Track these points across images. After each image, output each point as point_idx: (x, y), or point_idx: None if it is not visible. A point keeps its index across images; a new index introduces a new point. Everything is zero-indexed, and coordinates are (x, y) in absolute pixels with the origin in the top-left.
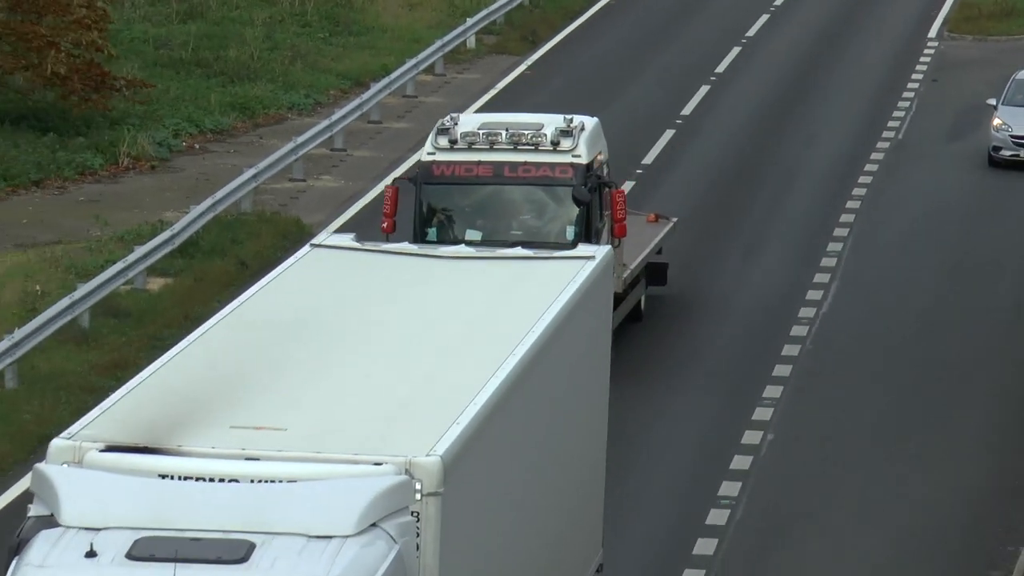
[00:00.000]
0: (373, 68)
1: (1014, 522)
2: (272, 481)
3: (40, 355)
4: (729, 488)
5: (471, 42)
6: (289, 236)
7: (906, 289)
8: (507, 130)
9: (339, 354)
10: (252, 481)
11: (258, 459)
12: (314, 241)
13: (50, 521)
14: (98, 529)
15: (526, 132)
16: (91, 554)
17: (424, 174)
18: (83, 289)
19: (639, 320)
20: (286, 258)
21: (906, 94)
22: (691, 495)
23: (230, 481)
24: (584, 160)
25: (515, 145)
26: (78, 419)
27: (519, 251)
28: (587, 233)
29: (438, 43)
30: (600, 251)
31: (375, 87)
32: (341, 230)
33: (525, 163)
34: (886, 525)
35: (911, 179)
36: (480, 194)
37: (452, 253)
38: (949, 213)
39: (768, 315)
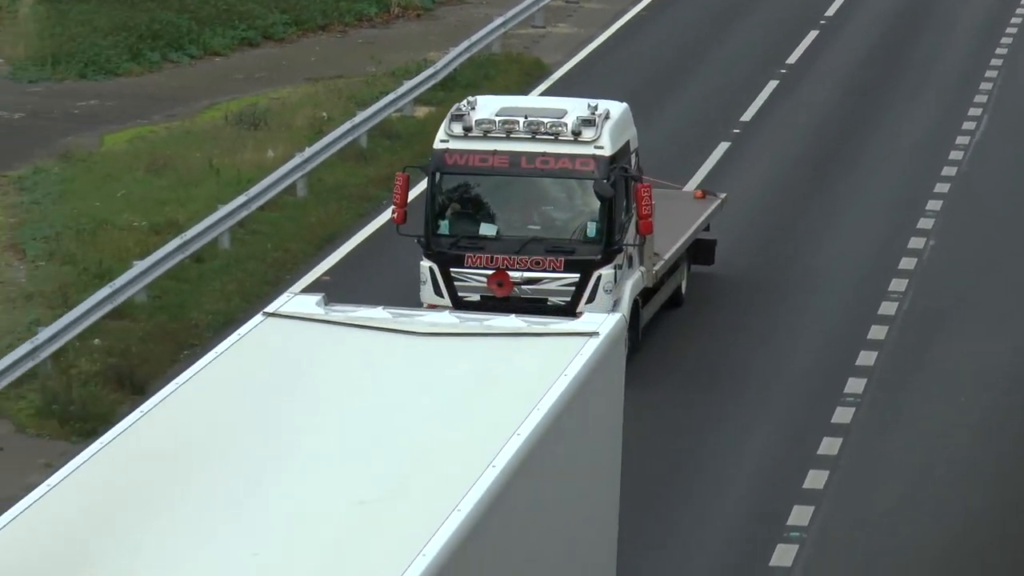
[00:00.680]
0: None
1: None
2: None
3: (325, 170)
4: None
5: None
6: (532, 73)
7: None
8: (526, 117)
9: (270, 475)
10: None
11: None
12: (269, 309)
13: None
14: None
15: (546, 120)
16: None
17: (436, 163)
18: (361, 115)
19: (679, 306)
20: (530, 90)
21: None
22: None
23: None
24: (607, 152)
25: (533, 134)
26: (357, 223)
27: (510, 323)
28: (610, 229)
29: None
30: (607, 323)
31: None
32: (573, 71)
33: (544, 154)
34: None
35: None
36: (495, 185)
37: (429, 328)
38: None
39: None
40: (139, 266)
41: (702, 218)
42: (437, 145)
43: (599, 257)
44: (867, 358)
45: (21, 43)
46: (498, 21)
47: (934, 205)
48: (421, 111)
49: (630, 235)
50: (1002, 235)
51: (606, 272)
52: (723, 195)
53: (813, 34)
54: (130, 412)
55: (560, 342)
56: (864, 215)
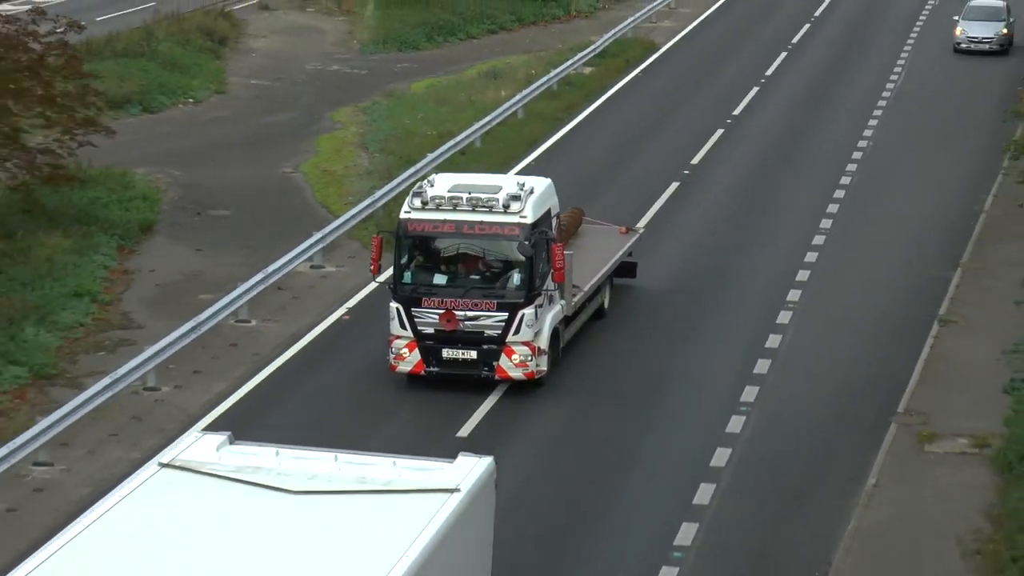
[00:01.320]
0: None
1: None
2: None
3: (533, 103)
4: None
5: None
6: (648, 49)
7: None
8: (469, 193)
9: None
10: None
11: None
12: (163, 459)
13: None
14: None
15: (483, 196)
16: None
17: (401, 229)
18: (553, 72)
19: (602, 318)
20: (648, 58)
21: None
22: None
23: None
24: (529, 220)
25: (474, 207)
26: (550, 133)
27: (383, 474)
28: (531, 279)
29: None
30: (472, 473)
31: None
32: (671, 47)
33: (481, 222)
34: None
35: None
36: (445, 246)
37: (304, 485)
38: None
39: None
40: (429, 156)
41: (624, 249)
42: (401, 215)
43: (522, 300)
44: (762, 366)
45: (366, 31)
46: (630, 19)
47: (818, 240)
48: (587, 70)
49: (548, 282)
50: (865, 275)
51: (528, 312)
52: (641, 230)
53: (755, 90)
54: None
55: (423, 500)
56: (767, 245)
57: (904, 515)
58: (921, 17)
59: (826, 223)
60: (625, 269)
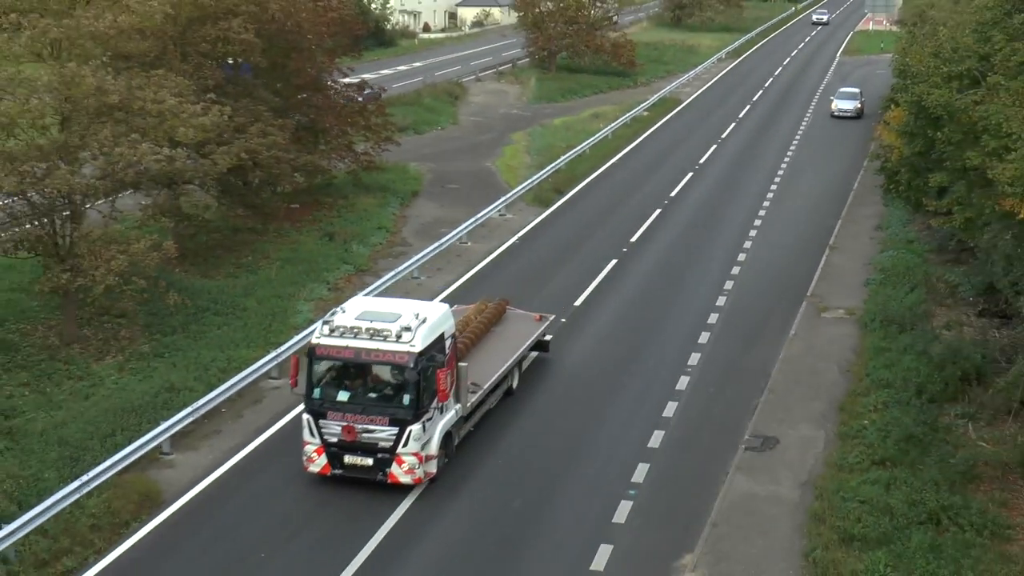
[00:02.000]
0: None
1: None
2: None
3: (618, 130)
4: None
5: None
6: (674, 103)
7: None
8: (370, 322)
9: None
10: None
11: None
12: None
13: None
14: None
15: (379, 326)
16: None
17: (312, 352)
18: (628, 115)
19: (511, 395)
20: (672, 112)
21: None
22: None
23: None
24: (417, 349)
25: (372, 336)
26: (625, 145)
27: None
28: (418, 399)
29: None
30: None
31: None
32: (692, 102)
33: (376, 350)
34: None
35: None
36: (347, 368)
37: None
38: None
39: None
40: (562, 157)
41: (536, 334)
42: (312, 340)
43: (411, 418)
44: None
45: (531, 92)
46: (667, 87)
47: (712, 318)
48: (645, 112)
49: (435, 401)
50: (789, 225)
51: (415, 427)
52: (552, 316)
53: (690, 174)
54: None
55: None
56: (676, 317)
57: (809, 350)
58: (812, 102)
59: (781, 163)
60: (540, 346)
